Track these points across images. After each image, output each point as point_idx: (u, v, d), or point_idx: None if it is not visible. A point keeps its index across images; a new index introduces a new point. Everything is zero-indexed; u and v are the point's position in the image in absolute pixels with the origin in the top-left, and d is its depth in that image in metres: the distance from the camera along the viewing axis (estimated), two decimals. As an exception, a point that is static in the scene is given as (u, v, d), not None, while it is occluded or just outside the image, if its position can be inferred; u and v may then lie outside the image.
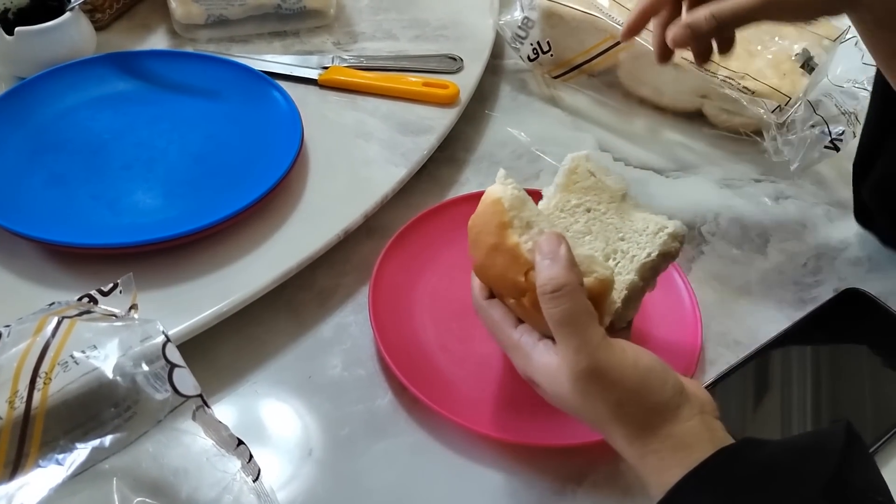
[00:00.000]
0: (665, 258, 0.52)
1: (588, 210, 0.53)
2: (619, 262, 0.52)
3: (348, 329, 0.62)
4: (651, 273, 0.52)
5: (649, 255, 0.51)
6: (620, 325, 0.52)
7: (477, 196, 0.55)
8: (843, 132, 0.72)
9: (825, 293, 0.67)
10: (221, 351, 0.59)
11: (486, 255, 0.48)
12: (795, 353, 0.61)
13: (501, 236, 0.47)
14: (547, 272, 0.45)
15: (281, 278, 0.61)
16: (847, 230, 0.73)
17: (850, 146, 0.71)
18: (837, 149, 0.72)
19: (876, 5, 0.53)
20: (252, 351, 0.60)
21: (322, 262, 0.65)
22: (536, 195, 0.55)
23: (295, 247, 0.62)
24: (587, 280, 0.47)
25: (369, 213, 0.66)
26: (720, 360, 0.62)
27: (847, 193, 0.73)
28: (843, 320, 0.64)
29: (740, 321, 0.65)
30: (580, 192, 0.54)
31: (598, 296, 0.47)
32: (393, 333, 0.60)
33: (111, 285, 0.48)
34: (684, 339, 0.61)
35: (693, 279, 0.66)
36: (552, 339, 0.46)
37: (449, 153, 0.77)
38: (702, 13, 0.54)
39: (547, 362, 0.46)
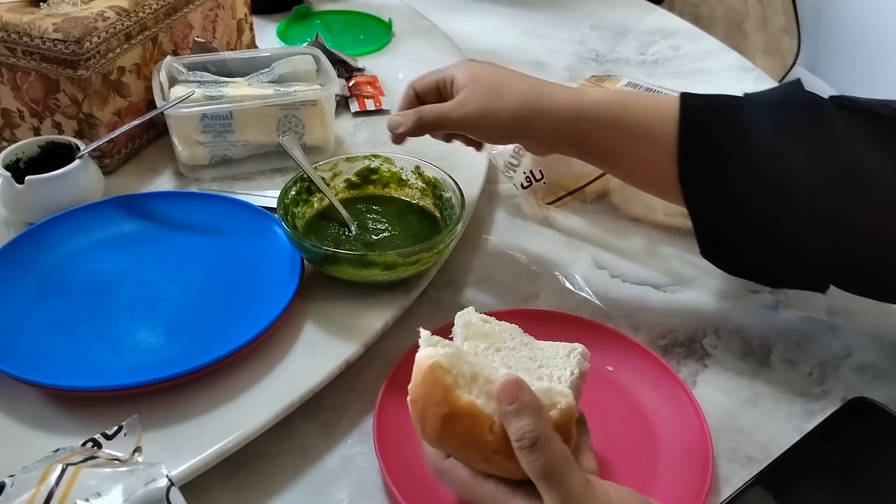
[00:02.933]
0: (582, 377, 0.54)
1: (498, 349, 0.54)
2: None
3: (354, 460, 0.61)
4: (576, 393, 0.53)
5: (572, 373, 0.53)
6: None
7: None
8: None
9: (832, 403, 0.66)
10: (225, 488, 0.58)
11: (442, 426, 0.47)
12: (809, 468, 0.60)
13: (451, 402, 0.46)
14: (517, 424, 0.45)
15: (283, 413, 0.60)
16: (849, 337, 0.73)
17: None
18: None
19: (541, 134, 0.69)
20: (257, 487, 0.59)
21: (325, 390, 0.64)
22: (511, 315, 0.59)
23: (297, 380, 0.62)
24: (553, 413, 0.47)
25: (370, 343, 0.67)
26: (734, 478, 0.60)
27: (845, 300, 0.74)
28: (853, 431, 0.63)
29: (750, 435, 0.64)
30: (482, 337, 0.55)
31: (566, 425, 0.48)
32: (400, 463, 0.59)
33: (115, 428, 0.48)
34: (695, 460, 0.60)
35: (699, 394, 0.66)
36: (528, 482, 0.46)
37: (448, 276, 0.79)
38: (412, 110, 0.72)
39: None
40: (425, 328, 0.72)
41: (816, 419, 0.65)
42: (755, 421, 0.65)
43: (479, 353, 0.54)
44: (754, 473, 0.59)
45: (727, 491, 0.59)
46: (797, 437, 0.62)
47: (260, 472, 0.60)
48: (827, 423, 0.64)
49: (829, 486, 0.59)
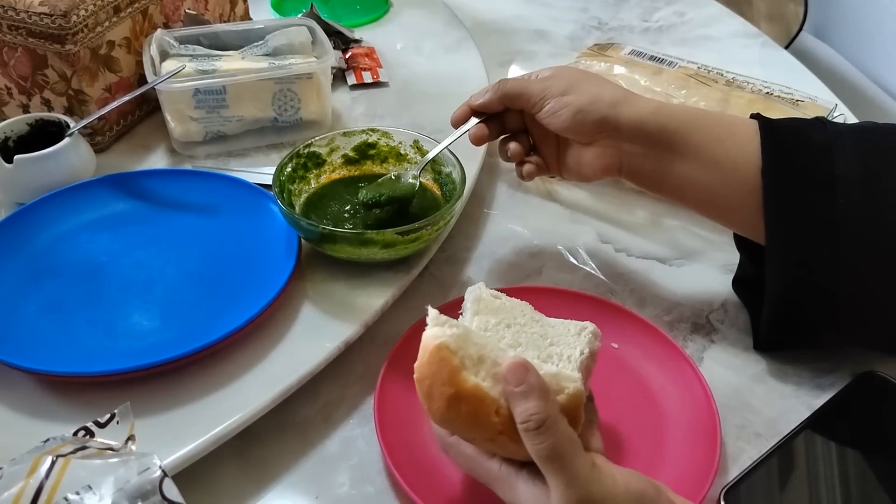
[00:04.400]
0: (592, 357, 0.53)
1: (508, 325, 0.53)
2: (558, 365, 0.52)
3: (355, 443, 0.60)
4: (586, 373, 0.52)
5: (582, 352, 0.52)
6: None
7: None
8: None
9: (842, 377, 0.65)
10: (223, 475, 0.57)
11: (448, 406, 0.46)
12: (819, 445, 0.59)
13: (457, 383, 0.45)
14: (523, 406, 0.44)
15: (281, 396, 0.59)
16: (858, 311, 0.71)
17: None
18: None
19: (623, 122, 0.64)
20: (255, 473, 0.58)
21: (325, 372, 0.63)
22: (514, 292, 0.57)
23: (295, 362, 0.61)
24: (560, 398, 0.46)
25: (370, 323, 0.65)
26: (742, 456, 0.59)
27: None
28: (863, 406, 0.62)
29: (758, 412, 0.63)
30: (493, 312, 0.54)
31: (574, 410, 0.47)
32: (401, 446, 0.58)
33: (108, 416, 0.47)
34: (703, 438, 0.58)
35: (706, 370, 0.64)
36: (532, 463, 0.45)
37: (450, 253, 0.77)
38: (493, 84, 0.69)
39: (534, 493, 0.45)
40: (426, 307, 0.71)
41: (826, 394, 0.63)
42: (763, 397, 0.64)
43: (489, 329, 0.53)
44: (763, 451, 0.58)
45: (735, 470, 0.58)
46: (806, 414, 0.61)
47: (259, 457, 0.59)
48: (837, 398, 0.62)
49: (840, 462, 0.57)
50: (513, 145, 0.70)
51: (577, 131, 0.66)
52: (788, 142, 0.61)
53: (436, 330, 0.46)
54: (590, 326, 0.54)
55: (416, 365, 0.48)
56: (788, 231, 0.60)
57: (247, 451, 0.59)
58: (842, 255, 0.58)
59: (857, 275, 0.59)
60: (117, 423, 0.47)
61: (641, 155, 0.65)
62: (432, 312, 0.48)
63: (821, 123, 0.63)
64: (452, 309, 0.60)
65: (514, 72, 1.07)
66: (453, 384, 0.45)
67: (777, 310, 0.63)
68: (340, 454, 0.59)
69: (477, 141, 0.70)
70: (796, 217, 0.60)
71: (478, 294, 0.55)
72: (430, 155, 0.72)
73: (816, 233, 0.59)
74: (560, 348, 0.53)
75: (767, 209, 0.60)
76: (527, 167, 0.70)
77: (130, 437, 0.46)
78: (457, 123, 0.70)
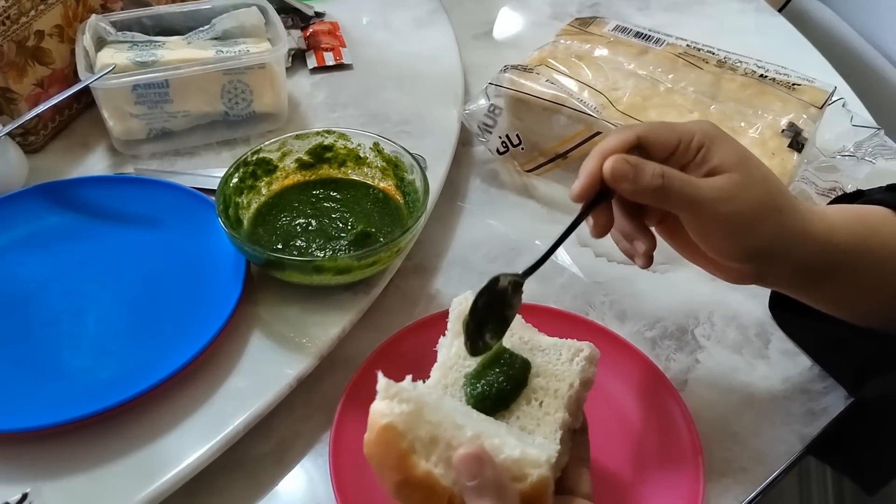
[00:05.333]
0: (585, 386, 0.49)
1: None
2: (542, 402, 0.47)
3: (311, 485, 0.56)
4: (576, 405, 0.48)
5: (571, 385, 0.48)
6: (557, 475, 0.45)
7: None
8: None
9: (837, 402, 0.60)
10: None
11: (398, 490, 0.41)
12: (814, 485, 0.55)
13: (406, 468, 0.40)
14: (477, 503, 0.39)
15: (227, 444, 0.54)
16: (854, 324, 0.66)
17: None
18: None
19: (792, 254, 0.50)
20: (203, 523, 0.53)
21: (279, 406, 0.58)
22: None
23: (243, 403, 0.56)
24: (522, 486, 0.41)
25: (325, 354, 0.60)
26: (727, 494, 0.55)
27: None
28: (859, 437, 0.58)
29: (745, 443, 0.58)
30: None
31: (537, 499, 0.41)
32: (359, 492, 0.53)
33: (20, 496, 0.42)
34: (684, 476, 0.54)
35: (689, 395, 0.60)
36: None
37: (417, 261, 0.71)
38: (653, 164, 0.48)
39: None
40: (392, 324, 0.65)
41: (820, 421, 0.59)
42: (750, 426, 0.59)
43: (469, 358, 0.48)
44: (749, 490, 0.54)
45: (720, 511, 0.54)
46: (798, 444, 0.57)
47: (207, 505, 0.54)
48: (831, 427, 0.58)
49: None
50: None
51: (740, 262, 0.51)
52: None
53: (384, 405, 0.41)
54: (585, 350, 0.49)
55: (364, 439, 0.42)
56: None
57: (194, 499, 0.54)
58: None
59: None
60: (30, 504, 0.42)
61: (794, 278, 0.53)
62: (382, 381, 0.42)
63: None
64: (438, 321, 0.55)
65: (491, 46, 1.00)
66: (401, 470, 0.40)
67: None
68: (295, 498, 0.55)
69: (601, 233, 0.53)
70: None
71: (462, 308, 0.50)
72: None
73: None
74: (546, 380, 0.48)
75: None
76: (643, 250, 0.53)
77: (44, 523, 0.41)
78: (583, 196, 0.51)
